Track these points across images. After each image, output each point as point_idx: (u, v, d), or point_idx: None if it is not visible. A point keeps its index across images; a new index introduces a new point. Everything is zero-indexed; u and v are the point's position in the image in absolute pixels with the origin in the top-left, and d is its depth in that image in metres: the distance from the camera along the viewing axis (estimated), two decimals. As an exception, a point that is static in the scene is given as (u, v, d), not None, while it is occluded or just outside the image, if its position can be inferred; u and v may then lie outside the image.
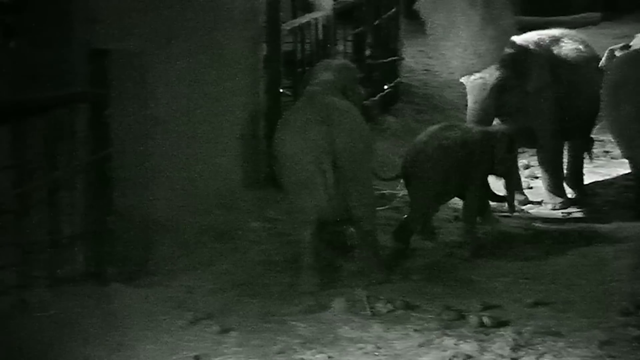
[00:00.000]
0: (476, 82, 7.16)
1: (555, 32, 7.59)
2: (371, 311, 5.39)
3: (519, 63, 7.20)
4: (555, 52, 7.38)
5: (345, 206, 5.78)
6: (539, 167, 8.25)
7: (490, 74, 7.17)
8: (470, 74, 7.46)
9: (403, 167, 6.47)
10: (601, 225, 6.92)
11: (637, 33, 7.87)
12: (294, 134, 5.78)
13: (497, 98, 7.16)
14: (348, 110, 5.93)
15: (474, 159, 6.39)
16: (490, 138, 6.49)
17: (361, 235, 5.95)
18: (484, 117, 7.13)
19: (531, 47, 7.33)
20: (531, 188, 7.87)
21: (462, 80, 7.45)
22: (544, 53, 7.32)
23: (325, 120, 5.74)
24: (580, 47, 7.47)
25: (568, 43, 7.41)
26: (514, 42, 7.35)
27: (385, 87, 9.53)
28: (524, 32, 7.97)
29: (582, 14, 13.54)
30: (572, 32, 7.97)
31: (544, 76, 7.22)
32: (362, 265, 5.96)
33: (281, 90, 7.38)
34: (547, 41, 7.38)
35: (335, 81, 6.16)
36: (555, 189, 7.45)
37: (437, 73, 11.18)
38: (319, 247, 5.88)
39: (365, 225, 5.88)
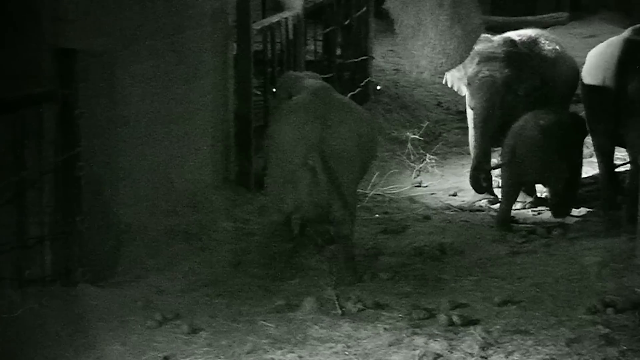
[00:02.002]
0: (484, 80, 7.09)
1: (530, 32, 7.62)
2: (342, 310, 5.39)
3: (522, 63, 7.21)
4: (537, 52, 7.41)
5: (324, 207, 5.77)
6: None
7: (493, 71, 7.09)
8: (442, 73, 7.45)
9: (504, 154, 6.69)
10: (570, 224, 6.96)
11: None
12: (289, 127, 5.77)
13: (505, 96, 7.13)
14: (351, 113, 5.92)
15: (568, 142, 6.74)
16: (579, 121, 6.88)
17: (337, 238, 5.95)
18: (493, 115, 7.10)
19: (526, 48, 7.33)
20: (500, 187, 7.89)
21: (454, 77, 7.37)
22: (533, 55, 7.33)
23: (323, 119, 5.75)
24: (557, 47, 7.52)
25: (545, 43, 7.45)
26: (514, 41, 7.32)
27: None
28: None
29: (551, 14, 13.63)
30: (545, 32, 8.02)
31: (535, 79, 7.24)
32: (334, 265, 5.96)
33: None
34: (531, 42, 7.40)
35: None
36: (526, 187, 7.49)
37: (407, 72, 11.22)
38: (284, 237, 5.91)
39: (343, 229, 5.87)
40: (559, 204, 6.90)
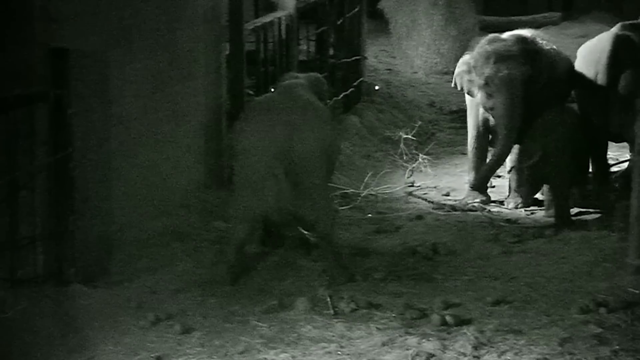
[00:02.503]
0: (504, 78, 7.04)
1: (526, 32, 7.62)
2: (335, 311, 5.39)
3: (536, 60, 7.20)
4: (546, 50, 7.41)
5: (292, 210, 5.75)
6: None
7: (512, 70, 7.06)
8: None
9: (529, 152, 6.91)
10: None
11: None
12: (254, 130, 5.74)
13: (524, 93, 7.12)
14: (316, 113, 5.86)
15: (589, 140, 7.09)
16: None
17: (319, 239, 5.95)
18: (516, 113, 7.07)
19: (537, 46, 7.31)
20: (493, 187, 7.91)
21: (464, 80, 7.31)
22: (543, 53, 7.31)
23: (288, 121, 5.70)
24: (554, 46, 7.53)
25: (544, 42, 7.45)
26: (527, 38, 7.30)
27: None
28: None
29: (543, 14, 13.65)
30: (539, 32, 8.03)
31: (548, 76, 7.24)
32: (323, 265, 5.97)
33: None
34: (536, 41, 7.39)
35: (307, 85, 6.15)
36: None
37: (399, 72, 11.23)
38: (245, 246, 5.86)
39: (321, 229, 5.86)
40: (565, 209, 6.90)
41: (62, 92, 5.42)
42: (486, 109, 7.30)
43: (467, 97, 7.56)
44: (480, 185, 7.45)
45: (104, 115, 5.84)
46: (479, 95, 7.23)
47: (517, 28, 7.92)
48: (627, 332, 5.08)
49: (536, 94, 7.11)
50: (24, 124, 5.30)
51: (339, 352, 4.94)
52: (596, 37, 7.40)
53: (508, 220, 7.10)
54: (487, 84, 7.11)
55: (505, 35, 7.34)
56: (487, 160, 7.53)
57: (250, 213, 5.73)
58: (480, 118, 7.51)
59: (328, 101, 6.48)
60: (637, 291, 5.54)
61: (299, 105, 5.84)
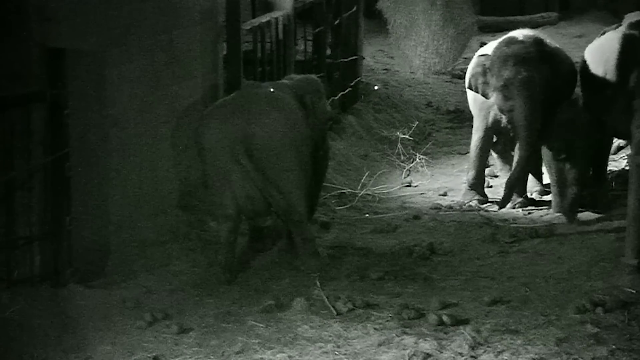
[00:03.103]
0: (524, 80, 7.03)
1: (529, 32, 7.62)
2: (335, 310, 5.39)
3: (552, 61, 7.19)
4: (558, 51, 7.41)
5: (265, 200, 5.79)
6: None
7: (531, 71, 7.04)
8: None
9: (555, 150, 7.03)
10: (558, 224, 6.97)
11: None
12: (215, 127, 5.79)
13: (543, 94, 7.12)
14: (276, 104, 5.90)
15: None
16: None
17: (291, 227, 5.98)
18: (538, 114, 7.06)
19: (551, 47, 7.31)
20: (491, 187, 7.92)
21: (478, 83, 7.26)
22: (555, 54, 7.31)
23: (247, 114, 5.75)
24: (557, 45, 7.53)
25: (551, 43, 7.45)
26: (542, 40, 7.29)
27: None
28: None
29: (540, 14, 13.66)
30: (537, 32, 8.01)
31: (556, 79, 7.24)
32: (297, 259, 5.99)
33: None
34: (551, 43, 7.39)
35: (289, 86, 6.16)
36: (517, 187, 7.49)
37: (397, 72, 11.23)
38: (234, 243, 5.89)
39: (293, 216, 5.88)
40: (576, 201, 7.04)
41: (59, 92, 5.42)
42: (502, 111, 7.25)
43: (474, 98, 7.50)
44: (511, 189, 7.35)
45: (101, 115, 5.84)
46: (495, 97, 7.19)
47: (515, 28, 7.90)
48: (624, 332, 5.08)
49: (550, 94, 7.11)
50: (21, 124, 5.30)
51: (336, 352, 4.94)
52: (604, 36, 7.38)
53: (505, 220, 7.10)
54: (506, 86, 7.08)
55: (521, 36, 7.31)
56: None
57: (227, 208, 5.79)
58: (491, 120, 7.46)
59: (326, 107, 6.45)
60: (633, 291, 5.54)
61: (258, 99, 5.90)
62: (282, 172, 5.80)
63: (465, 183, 7.72)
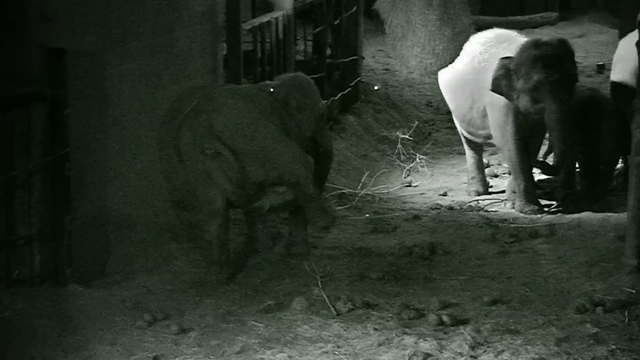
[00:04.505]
0: (555, 82, 7.02)
1: (503, 31, 7.62)
2: (335, 310, 5.39)
3: (574, 62, 7.22)
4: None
5: (253, 180, 5.78)
6: (500, 166, 8.33)
7: (561, 72, 7.05)
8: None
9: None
10: (558, 224, 6.97)
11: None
12: (185, 130, 5.80)
13: (571, 94, 7.16)
14: (236, 92, 5.95)
15: None
16: None
17: (295, 191, 5.91)
18: (569, 115, 7.10)
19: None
20: (491, 187, 7.92)
21: (503, 86, 7.21)
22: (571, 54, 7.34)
23: (209, 108, 5.77)
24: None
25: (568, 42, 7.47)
26: (566, 41, 7.30)
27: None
28: (481, 31, 7.99)
29: (540, 14, 13.68)
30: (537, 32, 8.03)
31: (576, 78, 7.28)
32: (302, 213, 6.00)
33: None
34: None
35: (269, 84, 6.16)
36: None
37: (396, 72, 11.25)
38: (226, 239, 5.88)
39: (291, 177, 5.83)
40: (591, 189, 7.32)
41: (59, 92, 5.42)
42: (529, 114, 7.22)
43: (497, 103, 7.34)
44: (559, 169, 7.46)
45: (101, 115, 5.84)
46: (522, 100, 7.14)
47: (515, 28, 7.91)
48: (624, 332, 5.08)
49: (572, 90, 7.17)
50: (21, 124, 5.30)
51: (336, 352, 4.94)
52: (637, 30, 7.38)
53: (505, 220, 7.11)
54: (535, 89, 7.06)
55: (546, 37, 7.32)
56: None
57: (213, 203, 5.79)
58: (519, 124, 7.33)
59: (319, 98, 6.44)
60: (633, 291, 5.54)
61: (218, 94, 5.93)
62: (266, 143, 5.77)
63: (519, 197, 7.38)
